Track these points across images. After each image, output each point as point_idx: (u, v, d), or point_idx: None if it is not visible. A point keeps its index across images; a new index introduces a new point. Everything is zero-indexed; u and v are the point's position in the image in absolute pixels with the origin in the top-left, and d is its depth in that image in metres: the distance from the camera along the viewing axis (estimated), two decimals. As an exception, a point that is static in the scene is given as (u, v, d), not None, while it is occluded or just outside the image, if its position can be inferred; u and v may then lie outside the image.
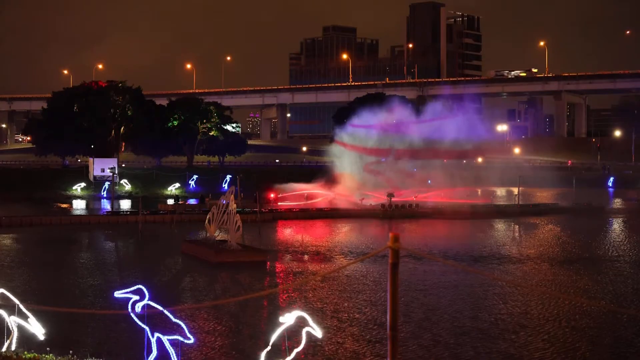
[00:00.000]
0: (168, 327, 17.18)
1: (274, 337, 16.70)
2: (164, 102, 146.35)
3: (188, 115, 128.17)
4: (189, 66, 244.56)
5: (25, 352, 17.56)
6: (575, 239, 53.19)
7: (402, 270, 35.93)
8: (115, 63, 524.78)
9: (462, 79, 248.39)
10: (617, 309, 28.44)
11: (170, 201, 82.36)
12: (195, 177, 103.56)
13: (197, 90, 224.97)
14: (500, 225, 64.18)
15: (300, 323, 16.32)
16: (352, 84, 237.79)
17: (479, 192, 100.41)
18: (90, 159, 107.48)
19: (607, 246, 49.41)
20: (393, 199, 73.95)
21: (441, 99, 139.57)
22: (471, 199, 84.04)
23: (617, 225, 66.03)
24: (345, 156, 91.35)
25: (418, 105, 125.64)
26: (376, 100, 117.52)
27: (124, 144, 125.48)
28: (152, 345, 16.99)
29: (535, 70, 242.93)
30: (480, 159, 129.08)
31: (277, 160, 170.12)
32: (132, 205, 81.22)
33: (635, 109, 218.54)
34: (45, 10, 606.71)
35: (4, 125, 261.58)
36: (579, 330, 25.34)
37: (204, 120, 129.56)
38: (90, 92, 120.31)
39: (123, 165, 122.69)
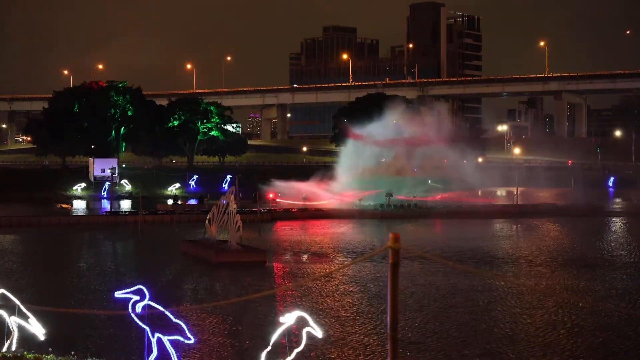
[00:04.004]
0: (168, 328, 17.18)
1: (274, 337, 16.71)
2: (164, 102, 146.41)
3: (188, 116, 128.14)
4: (189, 66, 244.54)
5: (26, 353, 17.58)
6: (583, 240, 52.66)
7: (421, 272, 36.07)
8: (116, 63, 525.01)
9: (462, 79, 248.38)
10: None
11: (169, 201, 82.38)
12: (195, 177, 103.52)
13: (197, 91, 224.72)
14: (504, 226, 63.98)
15: (301, 323, 16.34)
16: (353, 84, 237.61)
17: (479, 193, 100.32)
18: (91, 159, 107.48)
19: (620, 248, 48.82)
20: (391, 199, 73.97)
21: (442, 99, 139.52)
22: (470, 199, 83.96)
23: (622, 226, 65.85)
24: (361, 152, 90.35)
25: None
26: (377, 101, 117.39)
27: (124, 144, 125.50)
28: (153, 346, 17.01)
29: None
30: (480, 159, 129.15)
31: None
32: (132, 206, 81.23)
33: (635, 109, 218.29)
34: (45, 11, 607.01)
35: (4, 126, 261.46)
36: (630, 338, 24.37)
37: (204, 121, 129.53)
38: (90, 92, 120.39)
39: (123, 165, 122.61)
